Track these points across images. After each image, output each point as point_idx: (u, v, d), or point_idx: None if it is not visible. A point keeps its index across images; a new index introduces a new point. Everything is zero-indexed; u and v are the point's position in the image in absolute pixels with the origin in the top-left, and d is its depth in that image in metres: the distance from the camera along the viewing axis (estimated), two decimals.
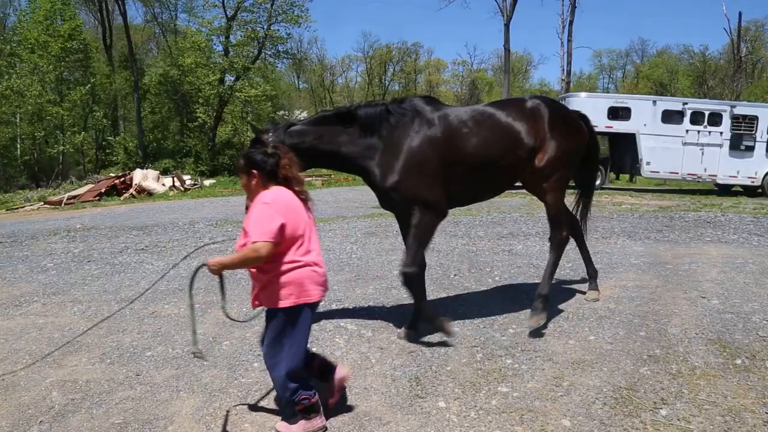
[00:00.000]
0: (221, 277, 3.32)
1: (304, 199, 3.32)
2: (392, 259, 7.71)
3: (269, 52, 35.77)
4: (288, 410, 3.33)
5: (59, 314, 5.81)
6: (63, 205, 18.34)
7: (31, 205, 19.27)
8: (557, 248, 5.13)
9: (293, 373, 3.21)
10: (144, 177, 21.55)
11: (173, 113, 36.16)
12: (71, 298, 6.40)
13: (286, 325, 3.19)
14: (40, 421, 3.64)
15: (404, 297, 5.95)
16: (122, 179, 21.38)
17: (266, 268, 3.17)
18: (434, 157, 4.48)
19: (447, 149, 4.54)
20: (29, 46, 31.81)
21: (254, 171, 3.27)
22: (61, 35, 31.82)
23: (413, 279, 4.54)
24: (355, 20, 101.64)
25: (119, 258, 8.34)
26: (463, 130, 4.64)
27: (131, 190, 20.72)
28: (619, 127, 19.99)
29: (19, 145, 33.64)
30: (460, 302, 5.85)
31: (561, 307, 5.63)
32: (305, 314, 3.22)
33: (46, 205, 18.70)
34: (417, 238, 4.49)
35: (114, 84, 36.88)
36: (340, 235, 9.72)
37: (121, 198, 20.09)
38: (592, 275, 5.95)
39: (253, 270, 3.24)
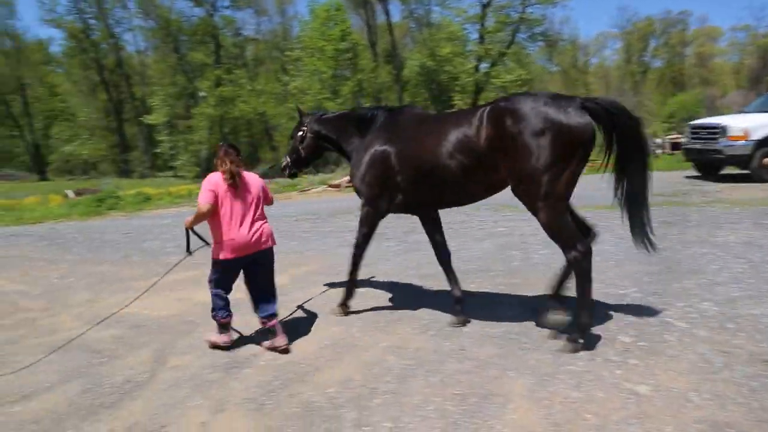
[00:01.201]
0: (190, 230, 4.68)
1: (231, 184, 4.55)
2: (703, 251, 6.83)
3: (523, 36, 35.22)
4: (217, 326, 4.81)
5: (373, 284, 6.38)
6: (343, 187, 20.52)
7: (316, 187, 21.98)
8: (574, 267, 4.13)
9: (214, 301, 4.74)
10: None
11: (431, 102, 37.98)
12: (378, 270, 7.01)
13: (212, 269, 4.69)
14: (386, 381, 3.97)
15: (735, 296, 5.19)
16: None
17: (210, 227, 4.63)
18: (380, 164, 4.93)
19: (389, 159, 4.88)
20: (309, 51, 36.40)
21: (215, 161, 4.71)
22: (334, 38, 35.70)
23: (357, 259, 5.29)
24: None
25: (411, 237, 8.93)
26: (408, 140, 4.81)
27: None
28: None
29: None
30: None
31: None
32: (223, 266, 4.61)
33: (329, 188, 21.14)
34: (359, 226, 5.20)
35: (378, 78, 40.14)
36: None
37: None
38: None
39: None
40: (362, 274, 6.75)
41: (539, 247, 7.58)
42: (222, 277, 4.67)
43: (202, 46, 44.97)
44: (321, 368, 4.28)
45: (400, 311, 5.41)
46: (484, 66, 34.42)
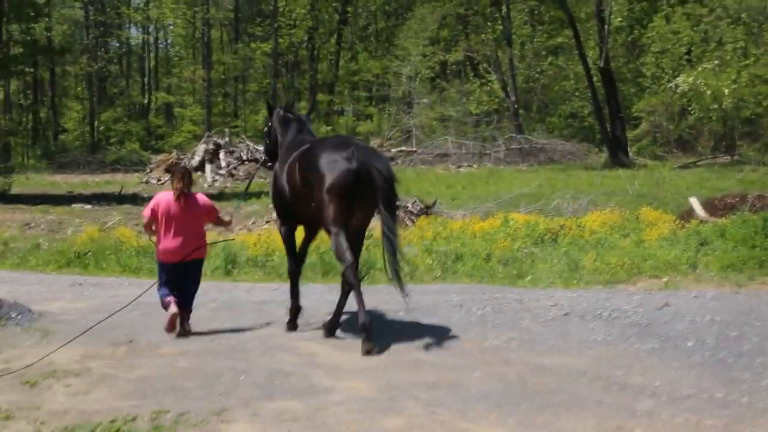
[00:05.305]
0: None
1: (176, 200, 5.59)
2: None
3: None
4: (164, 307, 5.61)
5: None
6: None
7: None
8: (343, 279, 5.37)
9: (161, 291, 5.63)
10: None
11: None
12: None
13: (158, 269, 5.84)
14: None
15: None
16: None
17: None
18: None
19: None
20: None
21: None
22: None
23: (291, 275, 5.92)
24: None
25: None
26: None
27: None
28: None
29: None
30: None
31: None
32: (162, 267, 5.73)
33: None
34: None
35: None
36: None
37: None
38: None
39: None
40: None
41: None
42: (161, 275, 5.75)
43: None
44: None
45: None
46: None
